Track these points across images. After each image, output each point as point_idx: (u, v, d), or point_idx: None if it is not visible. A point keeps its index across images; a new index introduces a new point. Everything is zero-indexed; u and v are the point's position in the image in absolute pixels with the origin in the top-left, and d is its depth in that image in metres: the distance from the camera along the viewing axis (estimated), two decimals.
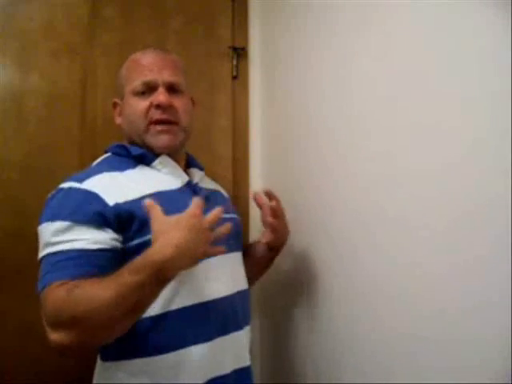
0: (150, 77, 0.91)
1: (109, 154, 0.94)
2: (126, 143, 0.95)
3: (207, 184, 1.03)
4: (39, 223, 0.80)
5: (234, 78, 1.48)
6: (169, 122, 0.91)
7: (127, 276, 0.69)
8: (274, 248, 1.05)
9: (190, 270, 0.75)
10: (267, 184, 1.39)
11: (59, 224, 0.76)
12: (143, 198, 0.81)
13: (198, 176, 0.98)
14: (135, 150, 0.91)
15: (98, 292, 0.69)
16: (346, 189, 0.92)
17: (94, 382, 0.87)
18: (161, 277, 0.70)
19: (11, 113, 1.27)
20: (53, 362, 1.21)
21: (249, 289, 0.99)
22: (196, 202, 0.74)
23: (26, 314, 1.21)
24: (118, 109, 0.98)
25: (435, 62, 0.66)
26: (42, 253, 0.78)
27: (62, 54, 1.32)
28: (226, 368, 0.86)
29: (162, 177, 0.90)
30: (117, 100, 0.98)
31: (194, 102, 1.02)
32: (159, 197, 0.83)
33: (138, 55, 0.96)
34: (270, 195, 0.99)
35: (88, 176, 0.83)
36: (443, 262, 0.64)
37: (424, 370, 0.68)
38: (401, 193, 0.74)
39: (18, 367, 1.20)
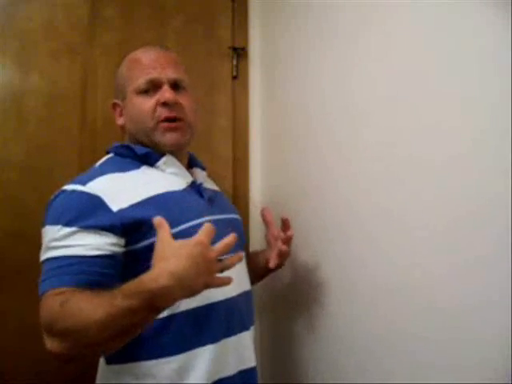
0: (153, 74, 0.89)
1: (112, 155, 0.93)
2: (128, 143, 0.93)
3: (210, 184, 1.02)
4: (43, 225, 0.80)
5: (234, 78, 1.48)
6: (177, 119, 0.90)
7: (120, 299, 0.66)
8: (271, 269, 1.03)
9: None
10: (267, 184, 1.39)
11: (61, 228, 0.76)
12: (148, 199, 0.81)
13: (201, 176, 0.98)
14: (140, 150, 0.90)
15: (89, 310, 0.68)
16: (346, 189, 0.92)
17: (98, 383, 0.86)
18: (154, 305, 0.66)
19: (11, 113, 1.27)
20: (53, 362, 1.20)
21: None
22: (206, 229, 0.69)
23: (26, 314, 1.21)
24: (118, 110, 0.96)
25: (435, 62, 0.66)
26: (43, 256, 0.78)
27: (62, 54, 1.32)
28: (232, 369, 0.85)
29: (167, 177, 0.89)
30: (116, 101, 0.96)
31: (195, 99, 1.00)
32: (164, 198, 0.83)
33: (137, 53, 0.94)
34: (286, 224, 0.96)
35: (91, 178, 0.82)
36: (443, 262, 0.64)
37: (424, 369, 0.68)
38: (401, 193, 0.74)
39: (18, 367, 1.20)
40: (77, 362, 0.76)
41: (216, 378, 0.83)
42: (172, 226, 0.78)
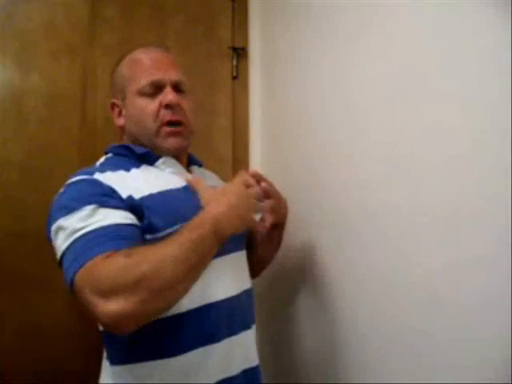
0: (157, 76, 0.89)
1: (110, 155, 0.92)
2: (127, 144, 0.93)
3: (209, 180, 1.01)
4: (54, 221, 0.75)
5: (234, 78, 1.48)
6: (179, 122, 0.90)
7: (188, 233, 0.70)
8: (279, 225, 1.02)
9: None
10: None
11: (83, 211, 0.72)
12: (149, 196, 0.81)
13: (199, 173, 0.98)
14: (139, 149, 0.90)
15: (161, 251, 0.67)
16: (347, 188, 0.92)
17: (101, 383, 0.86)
18: (218, 231, 0.72)
19: (11, 113, 1.27)
20: (53, 362, 1.22)
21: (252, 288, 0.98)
22: (240, 174, 0.82)
23: (26, 314, 1.22)
24: (116, 110, 0.95)
25: (435, 62, 0.66)
26: (67, 241, 0.71)
27: (62, 54, 1.32)
28: (235, 369, 0.85)
29: (166, 176, 0.89)
30: (115, 101, 0.95)
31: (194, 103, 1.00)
32: (166, 195, 0.83)
33: (138, 53, 0.93)
34: (257, 178, 0.94)
35: (96, 172, 0.81)
36: (443, 262, 0.64)
37: (424, 369, 0.68)
38: (401, 192, 0.74)
39: (18, 367, 1.20)
40: (133, 328, 0.68)
41: (220, 377, 0.82)
42: (172, 223, 0.79)
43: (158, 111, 0.88)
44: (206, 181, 0.99)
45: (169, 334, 0.79)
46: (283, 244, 1.07)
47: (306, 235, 1.08)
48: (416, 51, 0.71)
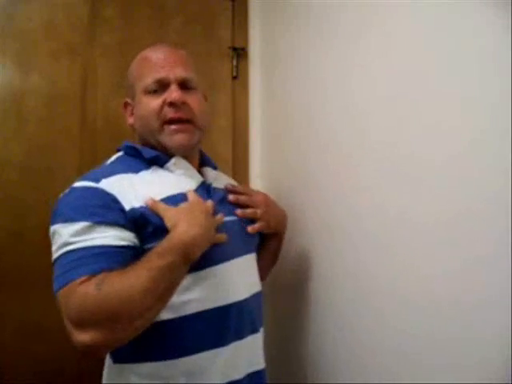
0: (161, 74, 0.88)
1: (122, 154, 0.91)
2: (138, 143, 0.92)
3: (222, 183, 0.99)
4: (52, 223, 0.76)
5: (234, 78, 1.48)
6: (183, 120, 0.88)
7: (157, 260, 0.69)
8: (274, 236, 1.02)
9: (206, 273, 0.80)
10: (267, 184, 1.39)
11: (78, 225, 0.73)
12: (160, 201, 0.80)
13: (211, 176, 0.96)
14: (148, 153, 0.88)
15: (130, 282, 0.67)
16: (347, 188, 0.92)
17: (104, 382, 0.85)
18: (188, 257, 0.72)
19: (11, 113, 1.27)
20: (53, 362, 1.22)
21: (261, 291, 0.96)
22: (190, 193, 0.82)
23: (26, 314, 1.22)
24: (128, 109, 0.94)
25: (435, 62, 0.66)
26: (58, 252, 0.73)
27: (62, 54, 1.32)
28: (241, 372, 0.84)
29: (177, 178, 0.88)
30: (128, 100, 0.95)
31: (205, 98, 0.98)
32: (175, 199, 0.81)
33: (147, 52, 0.93)
34: (234, 192, 0.96)
35: (104, 175, 0.81)
36: (443, 262, 0.64)
37: (424, 369, 0.68)
38: (401, 192, 0.74)
39: (18, 367, 1.20)
40: (105, 354, 0.74)
41: (225, 380, 0.81)
42: None
43: (161, 109, 0.87)
44: (219, 184, 0.97)
45: (175, 335, 0.79)
46: (286, 246, 1.07)
47: (305, 236, 1.08)
48: (416, 51, 0.71)
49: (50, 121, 1.29)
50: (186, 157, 0.91)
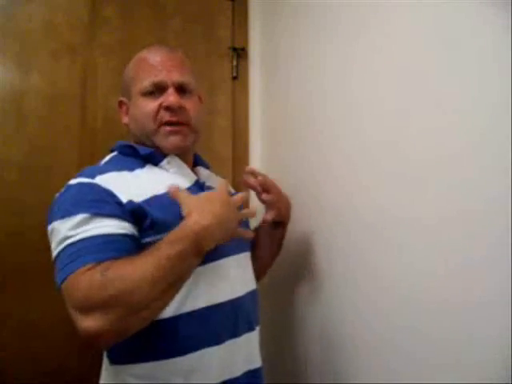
0: (159, 77, 0.88)
1: (116, 153, 0.92)
2: (132, 142, 0.93)
3: (214, 182, 1.00)
4: (50, 221, 0.77)
5: (234, 78, 1.48)
6: (179, 123, 0.89)
7: (166, 248, 0.68)
8: (281, 224, 1.03)
9: (201, 270, 0.78)
10: None
11: (76, 218, 0.73)
12: (153, 198, 0.80)
13: (204, 175, 0.97)
14: (143, 150, 0.89)
15: (137, 269, 0.66)
16: (347, 188, 0.92)
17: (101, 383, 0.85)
18: (199, 247, 0.70)
19: (11, 113, 1.27)
20: (53, 361, 1.21)
21: (257, 289, 0.97)
22: (221, 184, 0.81)
23: (26, 314, 1.22)
24: (124, 108, 0.95)
25: (435, 62, 0.66)
26: (58, 248, 0.73)
27: (62, 54, 1.32)
28: (238, 370, 0.84)
29: (171, 176, 0.88)
30: (123, 99, 0.95)
31: (201, 99, 0.99)
32: (169, 197, 0.82)
33: (145, 53, 0.93)
34: (254, 174, 0.96)
35: (99, 172, 0.81)
36: (443, 262, 0.64)
37: (424, 369, 0.68)
38: (401, 191, 0.74)
39: (18, 367, 1.20)
40: (111, 343, 0.71)
41: (222, 379, 0.81)
42: (175, 224, 0.77)
43: (157, 112, 0.88)
44: (213, 182, 0.97)
45: (170, 335, 0.79)
46: (284, 244, 1.07)
47: (305, 235, 1.08)
48: (416, 51, 0.71)
49: (50, 121, 1.29)
50: (180, 157, 0.92)
